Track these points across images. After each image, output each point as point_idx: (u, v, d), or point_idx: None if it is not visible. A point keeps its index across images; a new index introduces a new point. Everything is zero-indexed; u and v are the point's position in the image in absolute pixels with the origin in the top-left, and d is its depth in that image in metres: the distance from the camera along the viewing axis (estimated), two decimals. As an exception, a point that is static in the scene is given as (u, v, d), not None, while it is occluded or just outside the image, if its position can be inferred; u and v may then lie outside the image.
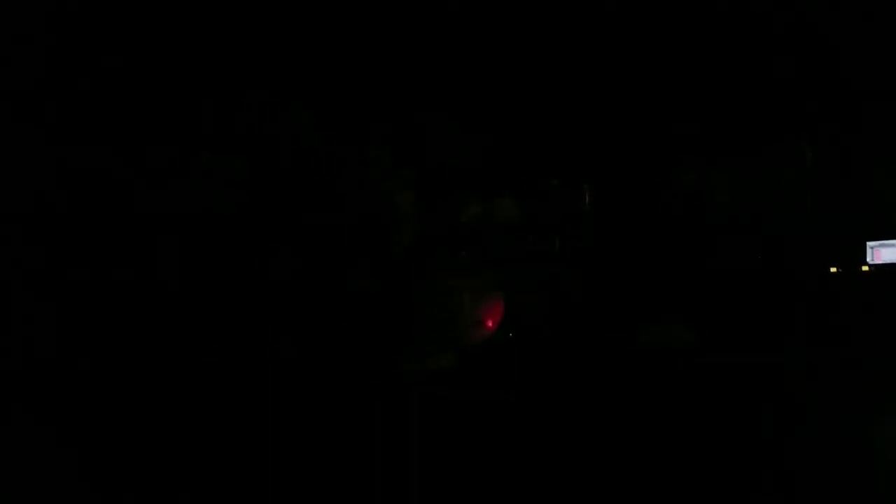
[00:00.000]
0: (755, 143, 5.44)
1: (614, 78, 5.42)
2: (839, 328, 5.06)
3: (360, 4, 5.38)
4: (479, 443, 3.77)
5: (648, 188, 5.48)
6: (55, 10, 5.04)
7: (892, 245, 5.54)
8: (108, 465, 3.77)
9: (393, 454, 3.76)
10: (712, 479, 3.29)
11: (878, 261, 5.59)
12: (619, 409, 4.12)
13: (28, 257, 4.70)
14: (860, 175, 5.54)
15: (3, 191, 4.77)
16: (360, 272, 5.30)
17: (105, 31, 5.08)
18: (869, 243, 5.57)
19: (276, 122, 5.37)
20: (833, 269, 5.59)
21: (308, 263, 5.30)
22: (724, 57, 5.38)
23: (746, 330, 4.99)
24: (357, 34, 5.46)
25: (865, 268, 5.57)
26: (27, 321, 4.56)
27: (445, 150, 5.56)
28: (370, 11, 5.38)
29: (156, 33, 5.17)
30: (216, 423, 4.27)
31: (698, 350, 4.82)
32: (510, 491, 3.19)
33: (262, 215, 5.31)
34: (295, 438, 4.12)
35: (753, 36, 5.27)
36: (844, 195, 5.55)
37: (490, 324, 5.34)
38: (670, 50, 5.37)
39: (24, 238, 4.70)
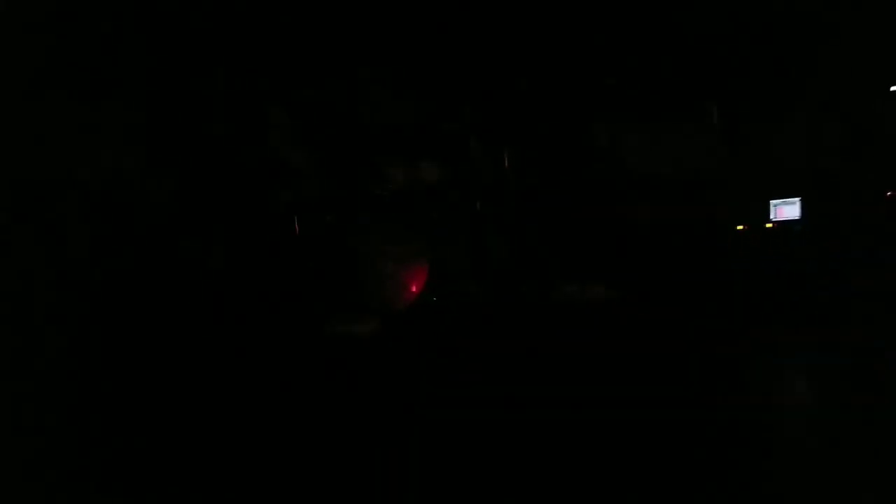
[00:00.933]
0: (667, 105, 5.61)
1: (535, 40, 5.47)
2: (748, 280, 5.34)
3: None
4: (400, 407, 3.75)
5: (565, 148, 5.58)
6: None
7: (793, 203, 5.86)
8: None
9: (313, 419, 3.69)
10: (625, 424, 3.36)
11: (780, 218, 5.90)
12: (540, 367, 4.17)
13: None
14: (763, 135, 5.81)
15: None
16: (279, 237, 5.21)
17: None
18: (772, 201, 5.87)
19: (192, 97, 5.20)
20: (740, 227, 5.86)
21: (228, 232, 5.17)
22: (639, 20, 5.51)
23: (661, 284, 5.18)
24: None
25: (769, 225, 5.87)
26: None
27: (368, 111, 5.50)
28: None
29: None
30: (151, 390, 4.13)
31: (615, 304, 4.96)
32: (435, 458, 3.16)
33: (175, 191, 5.15)
34: (216, 402, 4.00)
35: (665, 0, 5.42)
36: (750, 155, 5.81)
37: (414, 287, 5.34)
38: (587, 13, 5.46)
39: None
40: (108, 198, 5.10)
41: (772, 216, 5.89)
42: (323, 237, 5.34)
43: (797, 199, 5.84)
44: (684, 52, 5.42)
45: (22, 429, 3.65)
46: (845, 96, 5.48)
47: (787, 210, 5.91)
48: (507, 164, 5.46)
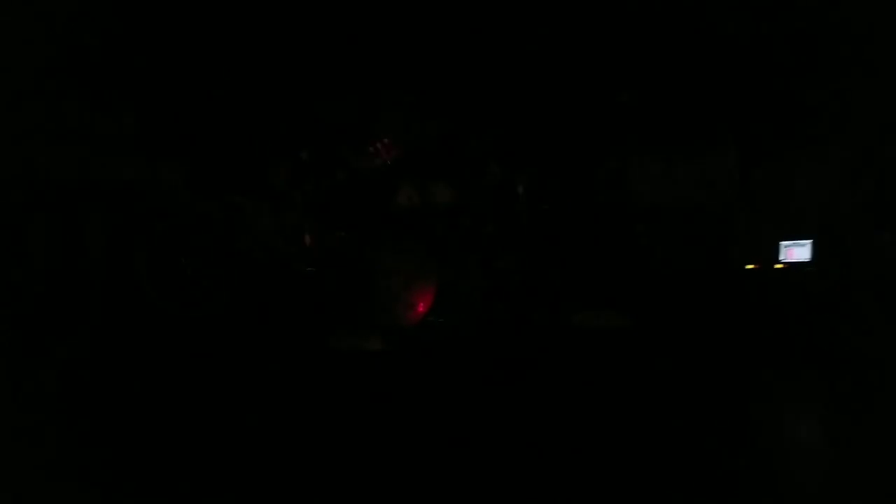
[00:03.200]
0: (685, 138, 5.64)
1: (551, 64, 5.50)
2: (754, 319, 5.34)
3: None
4: (397, 426, 3.68)
5: (579, 174, 5.59)
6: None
7: (804, 245, 5.87)
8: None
9: (308, 434, 3.62)
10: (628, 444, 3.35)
11: (790, 259, 5.91)
12: (548, 391, 4.13)
13: None
14: (776, 176, 5.84)
15: None
16: (293, 252, 5.16)
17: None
18: (782, 243, 5.88)
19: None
20: (750, 266, 5.85)
21: (239, 241, 5.12)
22: (655, 54, 5.57)
23: (672, 316, 5.17)
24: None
25: (779, 265, 5.87)
26: None
27: (384, 132, 5.48)
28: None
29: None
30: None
31: (629, 332, 4.93)
32: (435, 473, 3.10)
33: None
34: (216, 417, 3.90)
35: (683, 33, 5.47)
36: (762, 195, 5.83)
37: (421, 307, 5.27)
38: (602, 42, 5.50)
39: None
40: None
41: (782, 257, 5.91)
42: (333, 252, 5.27)
43: (808, 241, 5.86)
44: (705, 87, 5.46)
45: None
46: (863, 137, 5.53)
47: (797, 252, 5.93)
48: (521, 187, 5.44)
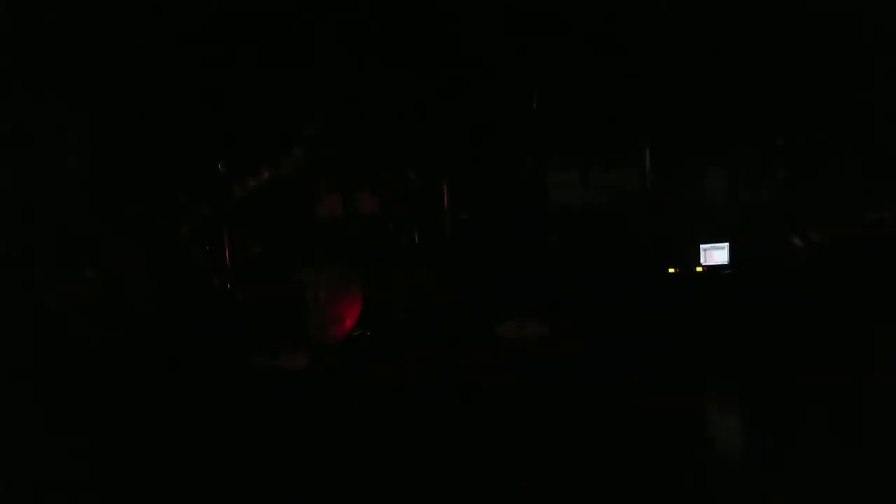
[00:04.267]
0: (601, 145, 5.73)
1: (477, 79, 5.51)
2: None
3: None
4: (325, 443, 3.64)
5: (499, 183, 5.62)
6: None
7: (722, 247, 6.02)
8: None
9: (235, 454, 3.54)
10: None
11: (709, 262, 6.05)
12: (476, 400, 4.14)
13: None
14: (693, 180, 5.99)
15: None
16: (215, 269, 5.03)
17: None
18: (702, 245, 6.02)
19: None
20: (671, 270, 5.96)
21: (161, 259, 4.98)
22: (577, 67, 5.63)
23: (596, 322, 5.22)
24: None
25: (699, 268, 6.00)
26: None
27: (307, 144, 5.41)
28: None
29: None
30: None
31: (551, 340, 4.96)
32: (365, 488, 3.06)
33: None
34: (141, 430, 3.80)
35: (604, 48, 5.56)
36: (680, 199, 5.97)
37: (347, 321, 5.19)
38: (526, 57, 5.55)
39: None
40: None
41: (702, 260, 6.04)
42: (254, 268, 5.17)
43: (726, 244, 6.01)
44: (620, 95, 5.55)
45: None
46: (775, 140, 5.72)
47: (716, 254, 6.07)
48: (444, 197, 5.44)
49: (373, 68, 5.48)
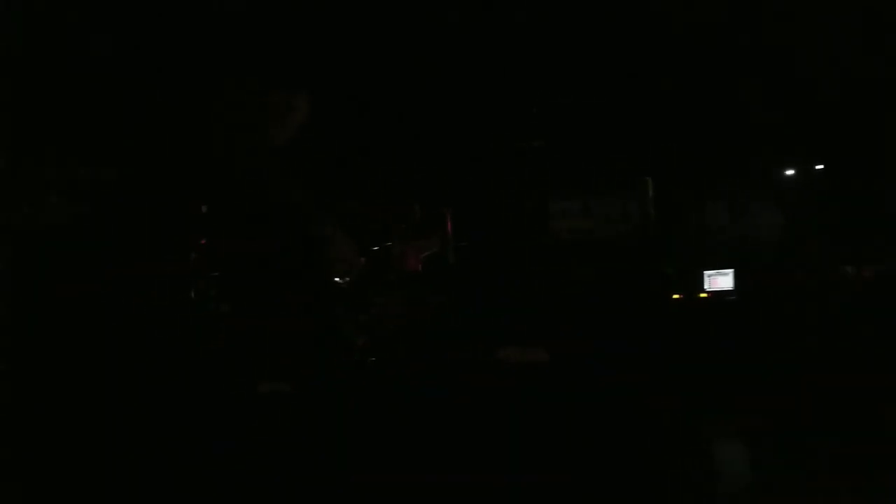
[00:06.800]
0: (604, 176, 5.77)
1: (478, 106, 5.57)
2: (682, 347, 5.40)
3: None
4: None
5: (504, 213, 5.65)
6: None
7: (727, 274, 6.02)
8: None
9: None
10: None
11: (713, 288, 6.05)
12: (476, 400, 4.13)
13: None
14: (698, 208, 6.01)
15: None
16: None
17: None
18: (706, 272, 6.02)
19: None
20: (676, 296, 5.97)
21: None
22: (582, 97, 5.67)
23: (600, 349, 5.20)
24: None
25: (703, 294, 6.00)
26: None
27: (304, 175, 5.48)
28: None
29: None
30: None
31: (554, 366, 4.93)
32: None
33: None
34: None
35: (603, 78, 5.61)
36: (684, 227, 5.99)
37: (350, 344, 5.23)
38: (522, 87, 5.60)
39: None
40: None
41: (706, 286, 6.04)
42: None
43: (730, 271, 6.01)
44: (625, 126, 5.59)
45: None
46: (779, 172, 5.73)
47: (720, 280, 6.07)
48: (447, 224, 5.48)
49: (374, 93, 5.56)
